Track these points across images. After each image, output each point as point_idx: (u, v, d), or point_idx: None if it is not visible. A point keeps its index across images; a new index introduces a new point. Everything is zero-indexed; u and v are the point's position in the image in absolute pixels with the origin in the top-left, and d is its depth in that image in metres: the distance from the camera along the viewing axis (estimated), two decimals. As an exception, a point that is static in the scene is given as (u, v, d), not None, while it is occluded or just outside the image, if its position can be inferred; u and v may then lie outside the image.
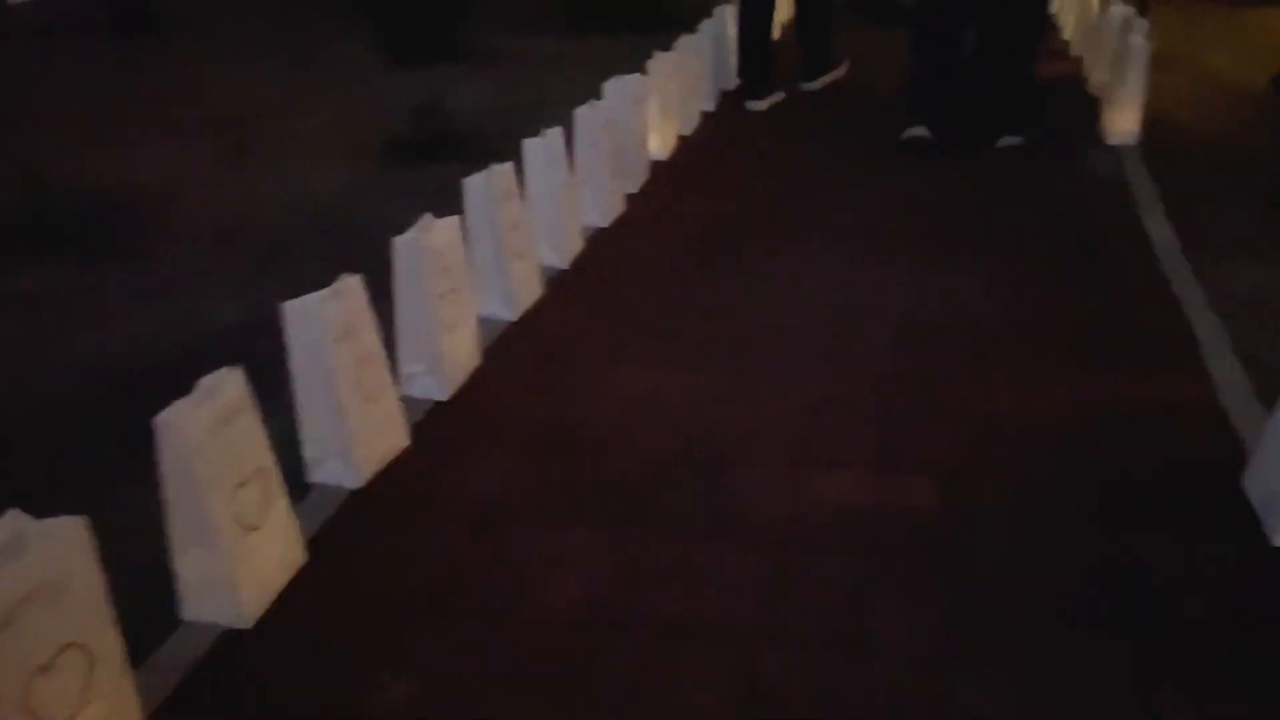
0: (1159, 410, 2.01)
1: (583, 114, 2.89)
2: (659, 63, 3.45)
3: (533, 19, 6.19)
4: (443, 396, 2.09)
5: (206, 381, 1.50)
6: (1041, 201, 3.08)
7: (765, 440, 1.95)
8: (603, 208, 2.96)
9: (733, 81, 4.39)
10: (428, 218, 2.11)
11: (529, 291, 2.51)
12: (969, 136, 3.59)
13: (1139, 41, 3.40)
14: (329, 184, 3.56)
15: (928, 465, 1.85)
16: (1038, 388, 2.11)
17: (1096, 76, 4.05)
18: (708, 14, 4.34)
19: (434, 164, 3.65)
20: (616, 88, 3.13)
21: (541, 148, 2.62)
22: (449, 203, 2.38)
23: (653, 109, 3.45)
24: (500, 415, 2.07)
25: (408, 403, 2.02)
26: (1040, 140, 3.59)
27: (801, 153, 3.61)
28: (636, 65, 3.40)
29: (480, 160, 2.52)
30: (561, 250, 2.70)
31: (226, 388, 1.52)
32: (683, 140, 3.72)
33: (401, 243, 2.05)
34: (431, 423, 2.03)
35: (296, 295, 1.76)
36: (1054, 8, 5.62)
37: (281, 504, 1.61)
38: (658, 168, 3.44)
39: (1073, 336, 2.30)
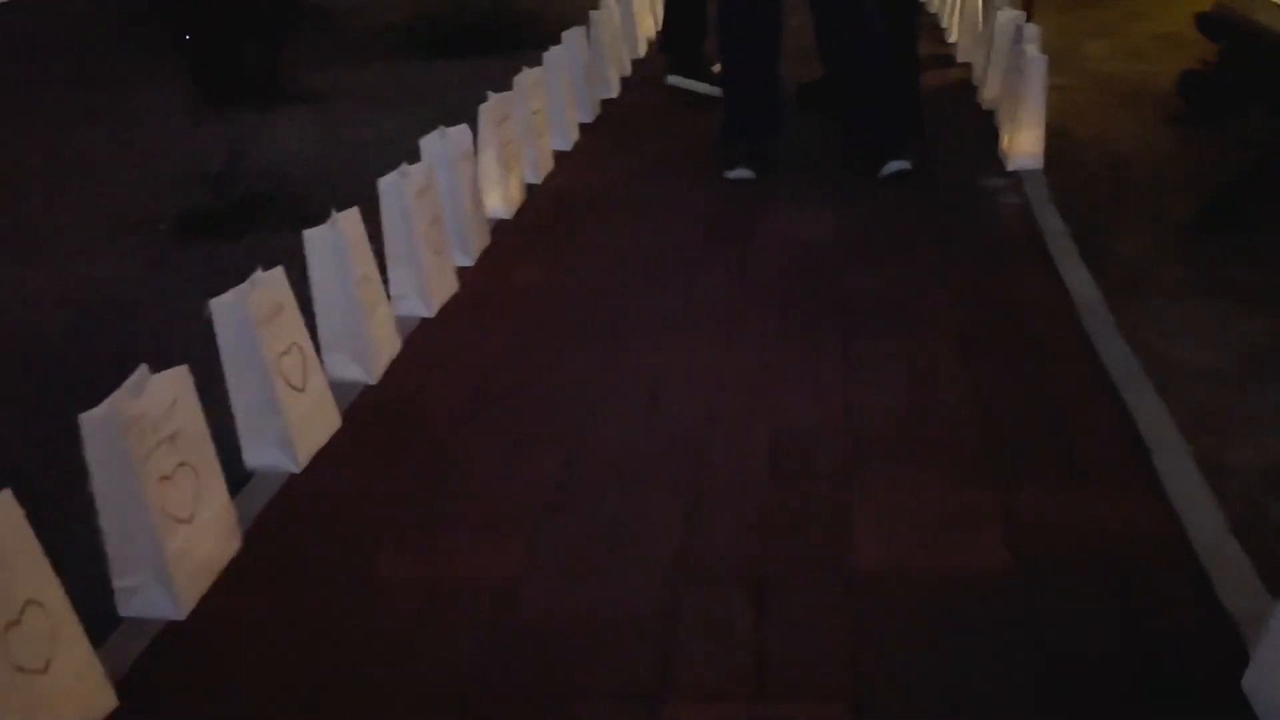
0: (1114, 550, 1.58)
1: (388, 186, 2.35)
2: (495, 105, 2.94)
3: (367, 46, 5.60)
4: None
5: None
6: (941, 253, 2.65)
7: (607, 666, 1.44)
8: (423, 295, 2.43)
9: (593, 113, 3.91)
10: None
11: (312, 437, 1.95)
12: (853, 166, 3.17)
13: (1035, 54, 3.01)
14: (106, 271, 2.96)
15: (826, 688, 1.37)
16: (957, 525, 1.66)
17: (989, 90, 3.67)
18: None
19: (236, 237, 3.09)
20: (437, 144, 2.61)
21: (326, 241, 2.08)
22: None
23: (489, 160, 2.94)
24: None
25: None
26: (927, 164, 3.19)
27: (670, 200, 3.13)
28: (482, 98, 2.89)
29: (294, 229, 2.10)
30: (365, 361, 2.17)
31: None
32: (532, 191, 3.22)
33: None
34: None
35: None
36: (934, 7, 5.27)
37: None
38: (502, 230, 2.93)
39: (992, 444, 1.87)
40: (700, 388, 2.09)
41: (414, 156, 2.51)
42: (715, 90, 4.05)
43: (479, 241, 2.78)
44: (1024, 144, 3.06)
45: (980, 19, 4.29)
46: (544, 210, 3.08)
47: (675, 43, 4.21)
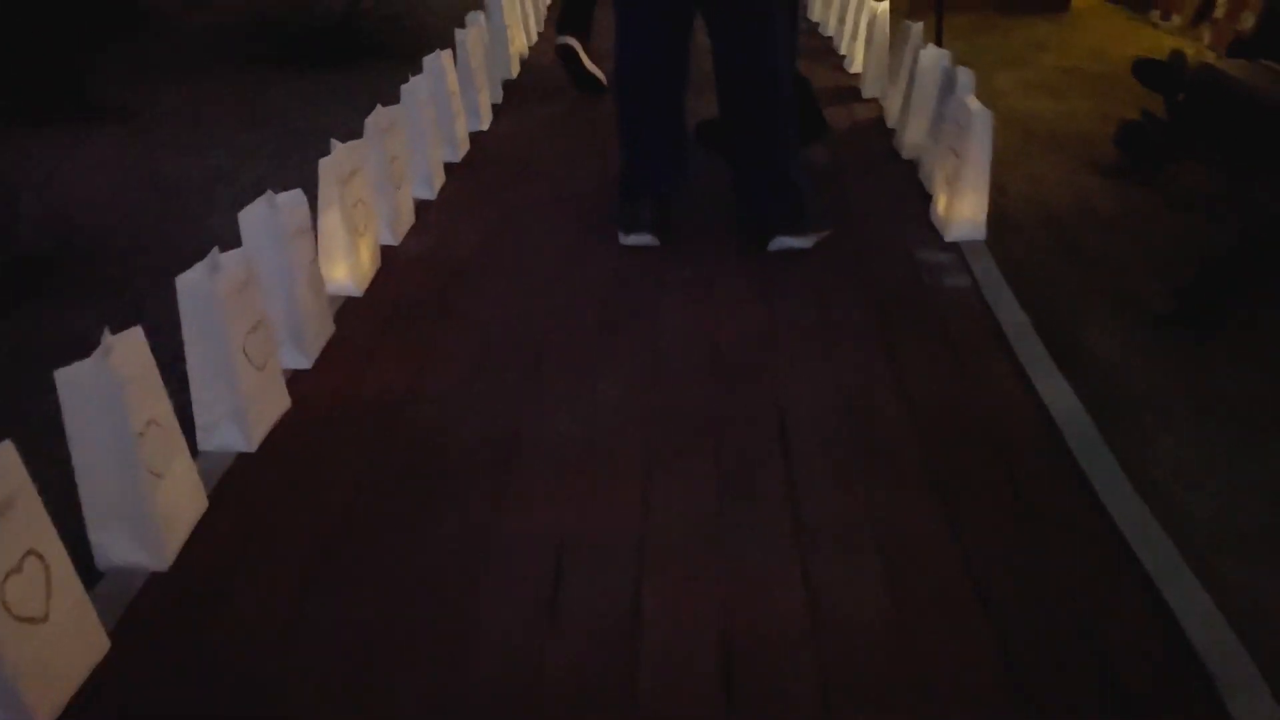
0: None
1: (190, 287, 1.75)
2: (341, 159, 2.35)
3: (198, 51, 4.87)
4: None
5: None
6: (889, 352, 2.21)
7: None
8: (241, 423, 1.85)
9: (460, 151, 3.34)
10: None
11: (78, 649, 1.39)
12: (743, 232, 2.72)
13: (979, 110, 2.61)
14: None
15: None
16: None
17: (910, 136, 3.27)
18: (435, 42, 3.25)
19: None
20: (263, 219, 2.01)
21: (86, 386, 1.47)
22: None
23: (332, 227, 2.36)
24: None
25: None
26: (850, 223, 2.77)
27: (559, 265, 2.61)
28: (333, 120, 2.31)
29: (87, 303, 1.74)
30: (150, 543, 1.58)
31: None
32: (389, 256, 2.64)
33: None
34: None
35: None
36: (829, 32, 4.89)
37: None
38: (350, 313, 2.35)
39: (1009, 669, 1.42)
40: (617, 571, 1.58)
41: (250, 193, 1.93)
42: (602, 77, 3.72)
43: (319, 335, 2.20)
44: (965, 210, 2.66)
45: (887, 48, 3.92)
46: (404, 283, 2.52)
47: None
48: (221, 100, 4.19)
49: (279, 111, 4.03)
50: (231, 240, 1.97)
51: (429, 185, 3.03)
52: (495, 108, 3.88)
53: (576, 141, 3.55)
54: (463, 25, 3.63)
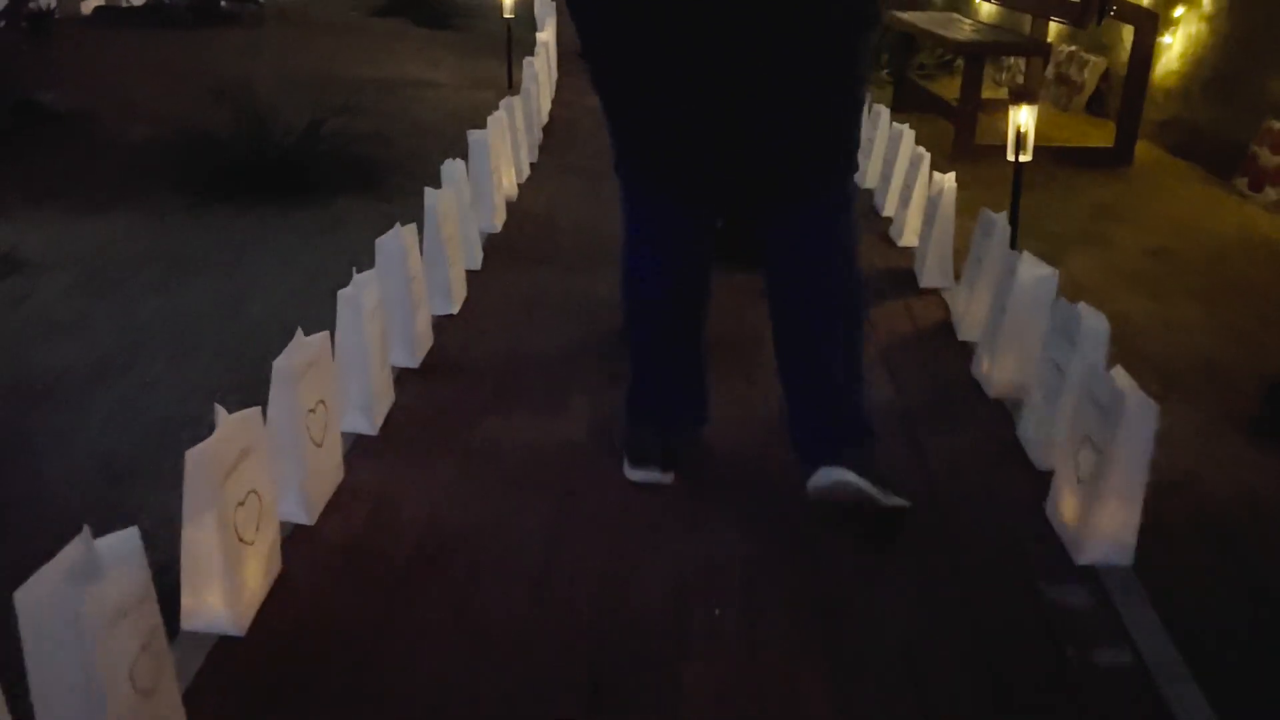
0: None
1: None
2: (214, 452, 1.60)
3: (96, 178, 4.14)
4: None
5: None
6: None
7: None
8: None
9: (418, 355, 2.59)
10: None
11: None
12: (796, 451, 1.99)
13: (1137, 399, 1.85)
14: None
15: None
16: None
17: (1004, 376, 2.53)
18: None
19: None
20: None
21: None
22: None
23: (205, 539, 1.58)
24: None
25: None
26: (937, 509, 2.02)
27: (541, 556, 1.84)
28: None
29: None
30: None
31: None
32: (294, 553, 1.86)
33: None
34: None
35: None
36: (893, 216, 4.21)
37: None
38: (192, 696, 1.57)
39: None
40: None
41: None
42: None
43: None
44: (1107, 524, 1.90)
45: (952, 234, 3.22)
46: (295, 634, 1.74)
47: None
48: (121, 247, 3.45)
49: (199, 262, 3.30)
50: None
51: (368, 418, 2.26)
52: (471, 274, 3.16)
53: (568, 334, 2.81)
54: (439, 153, 2.94)
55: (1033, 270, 2.46)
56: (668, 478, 2.09)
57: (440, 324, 2.80)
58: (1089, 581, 1.88)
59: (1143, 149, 5.07)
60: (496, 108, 3.97)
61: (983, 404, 2.52)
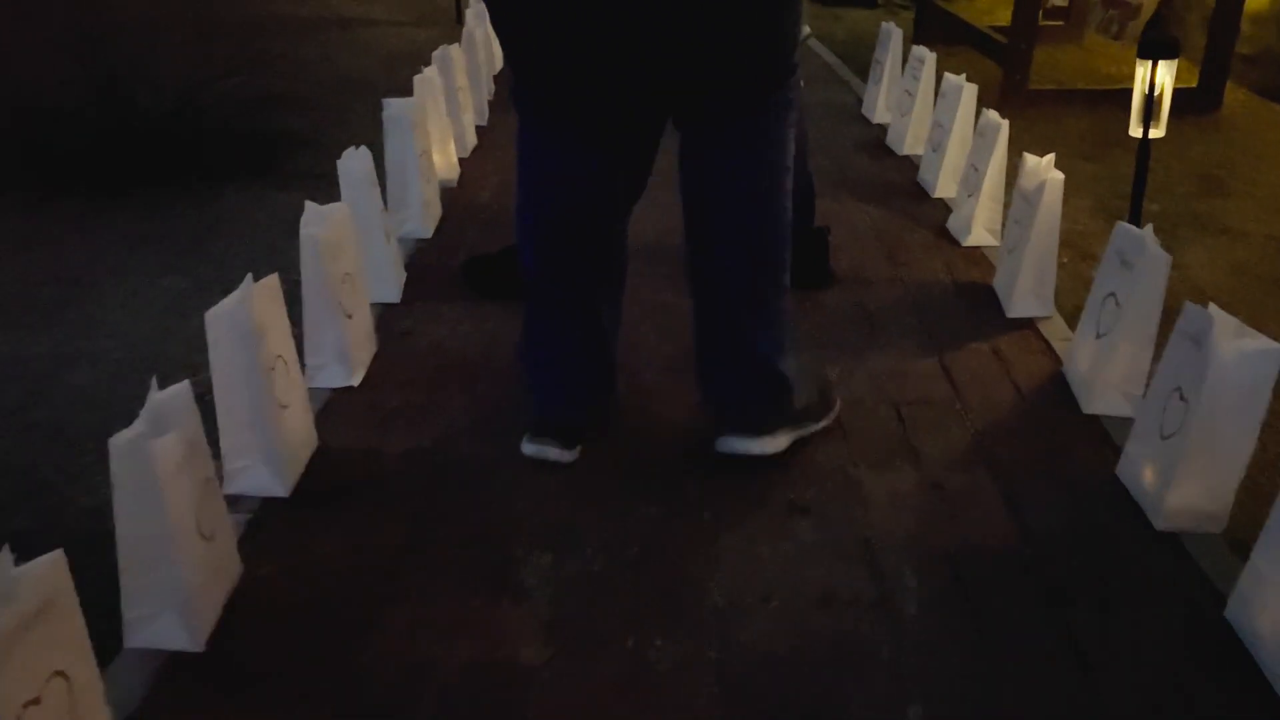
0: None
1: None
2: None
3: None
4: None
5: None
6: None
7: None
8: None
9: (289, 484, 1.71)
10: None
11: None
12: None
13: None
14: None
15: None
16: None
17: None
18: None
19: None
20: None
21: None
22: None
23: None
24: None
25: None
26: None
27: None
28: None
29: None
30: None
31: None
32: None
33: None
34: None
35: None
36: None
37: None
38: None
39: None
40: None
41: None
42: None
43: None
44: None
45: (1053, 245, 2.33)
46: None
47: None
48: None
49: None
50: None
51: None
52: (387, 311, 2.26)
53: (513, 425, 1.90)
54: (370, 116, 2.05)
55: (1234, 344, 1.57)
56: (568, 455, 1.76)
57: (336, 401, 1.92)
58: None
59: (1226, 92, 4.16)
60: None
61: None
